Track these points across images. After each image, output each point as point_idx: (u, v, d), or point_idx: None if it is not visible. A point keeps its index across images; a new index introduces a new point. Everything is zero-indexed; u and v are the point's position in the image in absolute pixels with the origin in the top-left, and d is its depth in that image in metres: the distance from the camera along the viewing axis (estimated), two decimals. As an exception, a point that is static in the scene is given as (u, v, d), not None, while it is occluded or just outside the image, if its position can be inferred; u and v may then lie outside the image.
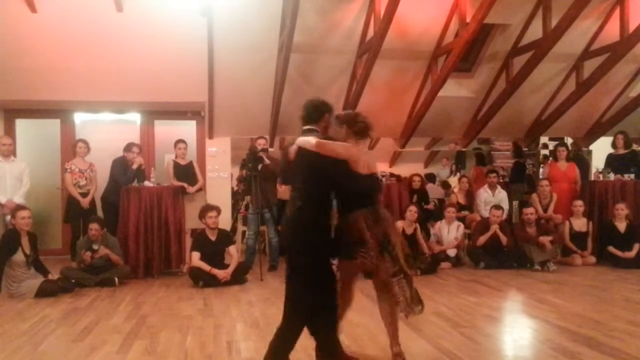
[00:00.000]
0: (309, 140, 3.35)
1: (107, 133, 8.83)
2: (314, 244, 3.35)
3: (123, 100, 8.16)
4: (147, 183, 7.14)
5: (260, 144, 7.51)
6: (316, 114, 3.58)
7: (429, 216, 8.55)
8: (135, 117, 9.04)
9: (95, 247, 6.37)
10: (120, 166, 7.27)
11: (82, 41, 7.23)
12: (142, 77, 7.70)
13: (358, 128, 3.55)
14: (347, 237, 3.41)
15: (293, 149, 3.48)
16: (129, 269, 6.66)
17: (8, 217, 6.48)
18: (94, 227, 6.41)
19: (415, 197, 8.34)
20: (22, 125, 8.64)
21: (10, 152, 6.87)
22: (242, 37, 7.48)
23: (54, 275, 6.10)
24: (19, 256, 5.82)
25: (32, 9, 6.76)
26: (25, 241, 5.89)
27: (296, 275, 3.39)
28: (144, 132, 8.96)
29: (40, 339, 4.28)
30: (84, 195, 7.23)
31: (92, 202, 7.33)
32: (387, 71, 8.51)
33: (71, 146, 7.65)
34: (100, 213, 7.43)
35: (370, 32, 7.73)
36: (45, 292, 5.76)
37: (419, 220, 7.29)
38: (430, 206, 8.81)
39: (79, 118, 8.90)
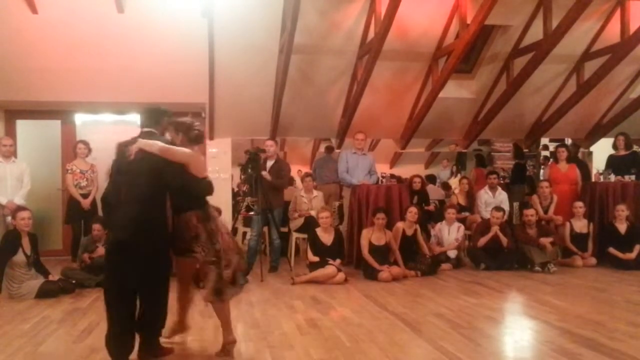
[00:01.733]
0: (153, 144, 3.57)
1: (107, 134, 8.82)
2: (153, 241, 3.58)
3: (123, 101, 8.16)
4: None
5: (268, 145, 7.48)
6: (155, 117, 3.87)
7: (430, 217, 8.55)
8: (135, 118, 9.03)
9: (98, 244, 6.38)
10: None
11: (83, 42, 7.24)
12: (142, 78, 7.71)
13: (193, 135, 3.88)
14: (182, 235, 3.70)
15: (134, 149, 3.64)
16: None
17: (9, 218, 6.48)
18: (96, 227, 6.42)
19: (415, 199, 8.34)
20: (22, 126, 8.65)
21: (11, 153, 6.88)
22: (243, 38, 7.48)
23: (55, 276, 6.10)
24: (19, 257, 5.82)
25: (33, 9, 6.77)
26: (25, 242, 5.89)
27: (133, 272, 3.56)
28: (145, 133, 8.95)
29: (41, 340, 4.28)
30: (85, 196, 7.23)
31: (93, 203, 7.32)
32: (388, 72, 8.52)
33: (72, 147, 7.66)
34: (101, 214, 7.41)
35: (371, 33, 7.74)
36: (46, 292, 5.76)
37: (419, 221, 7.29)
38: (431, 207, 8.81)
39: (80, 119, 8.91)
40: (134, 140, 3.71)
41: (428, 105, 8.86)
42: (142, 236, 3.55)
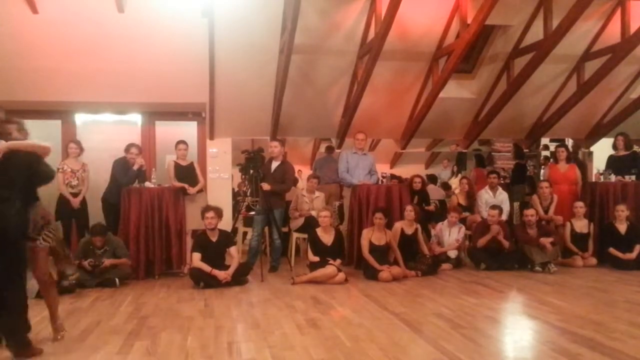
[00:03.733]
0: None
1: (108, 134, 8.85)
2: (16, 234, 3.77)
3: (124, 101, 8.18)
4: (148, 184, 7.14)
5: (273, 146, 7.43)
6: None
7: (430, 217, 8.55)
8: (136, 118, 9.05)
9: (99, 252, 6.40)
10: (122, 167, 7.28)
11: (83, 42, 7.25)
12: (143, 77, 7.71)
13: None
14: (36, 221, 4.00)
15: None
16: (130, 270, 6.66)
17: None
18: (97, 240, 6.44)
19: (416, 199, 8.34)
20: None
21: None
22: (243, 38, 7.49)
23: (54, 275, 6.09)
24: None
25: (34, 9, 6.78)
26: (26, 242, 5.88)
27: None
28: (145, 133, 8.97)
29: (41, 340, 4.27)
30: (75, 195, 7.24)
31: (83, 202, 7.34)
32: (388, 72, 8.53)
33: (65, 146, 7.67)
34: (98, 213, 7.45)
35: (371, 33, 7.74)
36: (46, 293, 5.75)
37: (418, 220, 7.29)
38: (431, 207, 8.81)
39: (80, 119, 8.91)
40: None
41: (428, 105, 8.86)
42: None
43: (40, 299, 5.62)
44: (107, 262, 6.41)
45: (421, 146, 13.43)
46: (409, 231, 7.11)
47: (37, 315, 5.05)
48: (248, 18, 7.30)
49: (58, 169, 7.35)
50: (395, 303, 5.38)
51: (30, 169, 3.90)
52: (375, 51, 7.59)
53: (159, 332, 4.45)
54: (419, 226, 7.27)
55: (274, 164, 7.39)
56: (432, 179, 11.40)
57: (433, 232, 8.01)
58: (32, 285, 5.73)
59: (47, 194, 8.14)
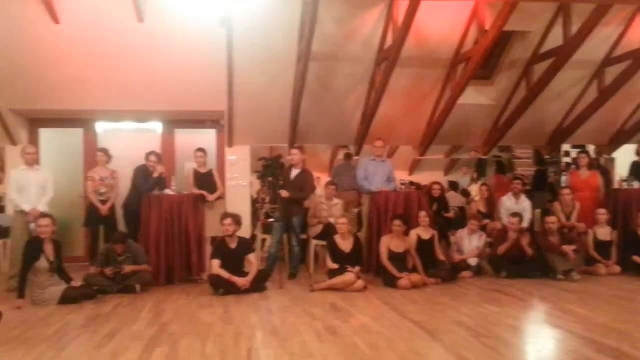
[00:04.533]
0: None
1: (128, 142, 8.96)
2: None
3: (144, 110, 8.27)
4: (167, 191, 7.20)
5: (293, 153, 7.45)
6: None
7: (450, 225, 8.48)
8: (156, 126, 9.16)
9: (120, 259, 6.46)
10: (142, 174, 7.36)
11: (104, 51, 7.36)
12: (162, 86, 7.80)
13: None
14: None
15: None
16: (150, 277, 6.72)
17: (32, 225, 6.57)
18: (118, 247, 6.51)
19: (435, 206, 8.29)
20: (46, 135, 8.80)
21: (35, 161, 6.98)
22: (261, 46, 7.54)
23: (77, 282, 6.18)
24: (42, 263, 5.90)
25: (55, 20, 6.90)
26: (49, 248, 5.97)
27: None
28: (165, 141, 9.07)
29: (64, 345, 4.32)
30: (104, 202, 7.33)
31: (112, 209, 7.43)
32: (406, 79, 8.51)
33: (91, 154, 7.79)
34: (120, 221, 7.53)
35: (389, 40, 7.74)
36: (69, 298, 5.83)
37: (435, 226, 7.25)
38: (450, 214, 8.75)
39: (101, 127, 9.04)
40: None
41: (447, 112, 8.83)
42: None
43: (63, 305, 5.73)
44: (128, 268, 6.46)
45: (440, 153, 13.36)
46: (425, 236, 7.07)
47: (60, 321, 5.13)
48: (265, 26, 7.36)
49: (87, 177, 7.48)
50: (415, 311, 5.35)
51: None
52: (393, 58, 7.59)
53: (179, 339, 4.47)
54: (436, 232, 7.23)
55: (294, 172, 7.40)
56: (454, 186, 11.34)
57: (453, 239, 7.95)
58: (55, 291, 5.85)
59: (76, 202, 8.33)
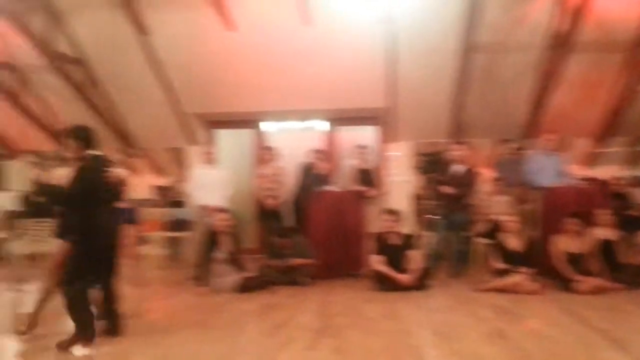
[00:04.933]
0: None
1: (294, 140, 9.34)
2: None
3: (308, 109, 8.56)
4: (330, 188, 7.39)
5: (454, 149, 7.26)
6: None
7: (635, 223, 7.62)
8: (320, 124, 9.44)
9: (288, 252, 6.77)
10: (307, 172, 7.63)
11: (272, 55, 7.75)
12: (326, 85, 8.02)
13: None
14: None
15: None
16: (315, 270, 6.93)
17: (211, 219, 7.13)
18: (285, 241, 6.81)
19: (617, 203, 7.50)
20: (222, 135, 9.51)
21: (213, 160, 7.57)
22: (422, 40, 7.42)
23: (252, 272, 6.59)
24: (220, 254, 6.38)
25: (230, 27, 7.39)
26: (226, 240, 6.45)
27: None
28: (328, 138, 9.31)
29: (239, 332, 4.63)
30: (272, 198, 7.73)
31: (279, 204, 7.81)
32: (580, 65, 7.82)
33: (260, 153, 8.27)
34: (289, 215, 7.89)
35: (560, 25, 7.15)
36: (243, 288, 6.24)
37: (616, 224, 6.55)
38: (636, 212, 7.86)
39: (269, 127, 9.55)
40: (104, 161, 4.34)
41: (628, 100, 7.94)
42: None
43: (239, 294, 6.13)
44: (295, 261, 6.74)
45: (621, 145, 12.06)
46: (606, 237, 6.42)
47: (235, 309, 5.49)
48: (426, 21, 7.22)
49: (256, 174, 7.98)
50: (596, 318, 4.87)
51: None
52: (566, 43, 7.02)
53: (345, 331, 4.56)
54: (618, 232, 6.52)
55: (456, 167, 7.17)
56: None
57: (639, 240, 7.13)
58: (232, 280, 6.29)
59: (248, 198, 8.90)
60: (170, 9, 7.22)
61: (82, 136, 4.28)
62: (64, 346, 4.13)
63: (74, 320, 4.20)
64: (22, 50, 7.69)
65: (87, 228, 4.18)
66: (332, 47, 7.68)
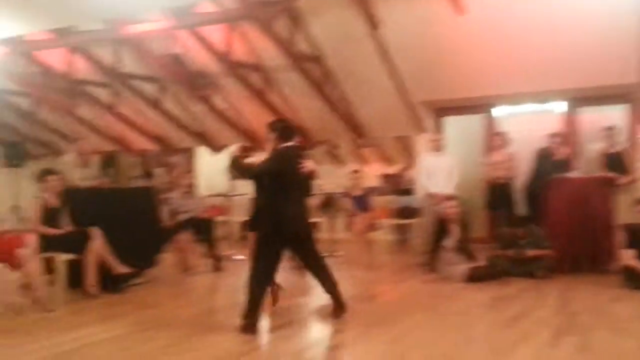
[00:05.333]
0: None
1: (528, 124, 8.80)
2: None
3: (545, 90, 7.97)
4: (572, 174, 6.81)
5: None
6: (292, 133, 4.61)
7: None
8: (557, 106, 8.74)
9: (521, 242, 6.43)
10: (543, 157, 7.16)
11: (506, 36, 7.35)
12: (564, 63, 7.35)
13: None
14: None
15: (309, 166, 4.55)
16: (554, 263, 6.47)
17: (439, 207, 7.10)
18: (519, 231, 6.49)
19: None
20: (449, 122, 9.40)
21: (441, 148, 7.53)
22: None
23: (481, 262, 6.42)
24: (449, 242, 6.33)
25: (459, 11, 7.22)
26: (455, 228, 6.37)
27: None
28: (567, 121, 8.56)
29: (472, 322, 4.55)
30: (503, 185, 7.41)
31: (510, 192, 7.51)
32: None
33: (489, 139, 7.98)
34: (521, 203, 7.49)
35: None
36: (474, 277, 6.10)
37: None
38: None
39: (500, 111, 9.14)
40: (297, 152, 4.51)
41: None
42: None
43: (469, 283, 6.00)
44: (530, 252, 6.37)
45: None
46: None
47: (466, 298, 5.40)
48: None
49: (484, 162, 7.75)
50: None
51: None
52: None
53: (590, 330, 4.18)
54: None
55: None
56: None
57: None
58: (462, 269, 6.20)
59: (477, 185, 8.71)
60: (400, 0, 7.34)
61: (278, 129, 4.57)
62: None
63: (247, 304, 4.30)
64: (267, 51, 8.55)
65: (275, 218, 4.35)
66: (572, 21, 7.00)
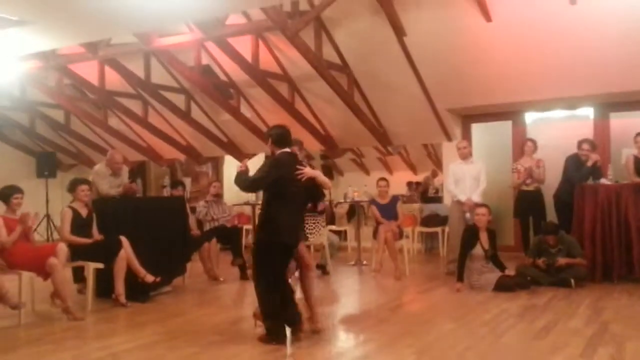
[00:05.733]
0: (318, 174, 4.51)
1: (558, 130, 8.67)
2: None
3: (575, 95, 7.83)
4: (603, 180, 6.66)
5: None
6: (289, 139, 4.47)
7: None
8: (587, 112, 8.59)
9: (553, 251, 6.31)
10: (574, 164, 7.01)
11: (535, 42, 7.24)
12: (595, 68, 7.21)
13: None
14: None
15: (307, 173, 4.37)
16: (585, 271, 6.32)
17: (468, 215, 7.03)
18: (550, 239, 6.35)
19: None
20: (477, 129, 9.31)
21: (468, 155, 7.44)
22: None
23: (510, 270, 6.31)
24: (478, 251, 6.23)
25: (487, 18, 7.14)
26: (484, 237, 6.28)
27: None
28: (598, 127, 8.39)
29: (502, 331, 4.46)
30: (533, 193, 7.33)
31: (541, 199, 7.41)
32: None
33: (520, 145, 7.88)
34: (551, 211, 7.36)
35: None
36: (503, 286, 6.00)
37: None
38: None
39: (530, 117, 9.02)
40: (293, 161, 4.39)
41: None
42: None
43: (498, 293, 5.92)
44: (562, 261, 6.24)
45: None
46: None
47: (496, 307, 5.30)
48: None
49: (512, 169, 7.65)
50: None
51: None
52: None
53: (624, 341, 4.08)
54: None
55: None
56: None
57: None
58: (490, 278, 6.10)
59: (505, 193, 8.59)
60: (425, 7, 7.29)
61: (272, 135, 4.42)
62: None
63: (261, 312, 4.33)
64: (294, 60, 8.59)
65: (269, 225, 4.25)
66: (600, 25, 6.85)
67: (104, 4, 5.29)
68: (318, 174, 4.40)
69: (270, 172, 4.26)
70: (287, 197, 4.27)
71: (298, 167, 4.33)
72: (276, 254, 4.25)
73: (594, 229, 6.48)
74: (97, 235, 5.83)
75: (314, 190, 4.66)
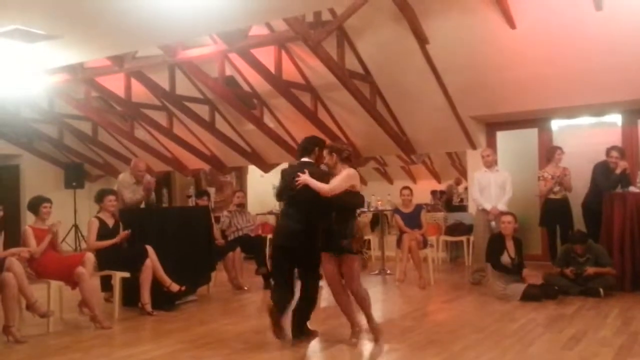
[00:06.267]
0: (315, 184, 4.28)
1: (585, 137, 8.54)
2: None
3: (602, 102, 7.70)
4: (632, 188, 6.54)
5: None
6: (308, 148, 4.60)
7: None
8: (615, 119, 8.45)
9: (581, 260, 6.20)
10: (603, 171, 6.89)
11: (560, 48, 7.15)
12: (623, 74, 7.08)
13: (345, 156, 4.44)
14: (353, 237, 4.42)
15: (301, 182, 4.29)
16: (614, 280, 6.19)
17: (493, 223, 6.95)
18: (578, 247, 6.25)
19: None
20: (502, 137, 9.21)
21: (493, 163, 7.37)
22: None
23: (538, 280, 6.21)
24: (505, 259, 6.16)
25: (512, 25, 7.09)
26: (510, 245, 6.20)
27: None
28: (626, 134, 8.25)
29: (529, 341, 4.39)
30: (557, 201, 7.23)
31: (567, 208, 7.32)
32: None
33: (545, 153, 7.77)
34: (579, 220, 7.24)
35: None
36: (530, 296, 5.91)
37: None
38: None
39: (556, 125, 8.90)
40: (298, 169, 4.44)
41: None
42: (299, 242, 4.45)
43: (525, 302, 5.82)
44: (590, 270, 6.13)
45: None
46: None
47: (523, 317, 5.23)
48: None
49: (539, 176, 7.55)
50: None
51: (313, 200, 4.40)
52: None
53: (656, 353, 3.97)
54: None
55: None
56: None
57: None
58: (517, 287, 6.02)
59: (531, 201, 8.47)
60: (448, 15, 7.26)
61: (299, 146, 4.76)
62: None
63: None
64: (316, 70, 8.63)
65: (274, 229, 4.81)
66: (629, 32, 6.74)
67: (129, 18, 5.39)
68: (310, 181, 4.35)
69: (280, 183, 4.77)
70: (291, 204, 4.58)
71: (295, 176, 4.43)
72: (276, 255, 4.68)
73: (622, 237, 6.36)
74: (123, 245, 5.91)
75: (350, 198, 4.50)
